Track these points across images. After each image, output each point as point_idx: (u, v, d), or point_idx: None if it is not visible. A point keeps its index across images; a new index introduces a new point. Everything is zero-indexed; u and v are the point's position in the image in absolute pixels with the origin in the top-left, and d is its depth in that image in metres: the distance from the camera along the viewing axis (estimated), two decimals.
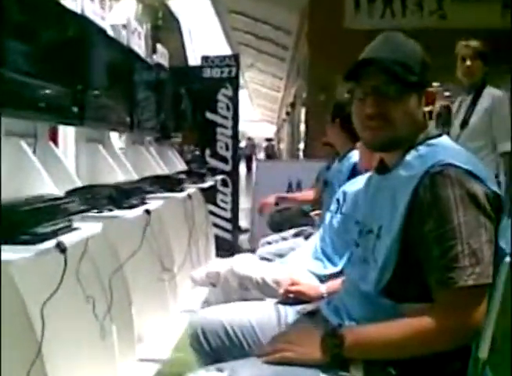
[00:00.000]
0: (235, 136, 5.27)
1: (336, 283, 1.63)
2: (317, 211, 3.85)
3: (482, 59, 3.12)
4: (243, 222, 6.41)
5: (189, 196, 3.13)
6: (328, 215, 2.32)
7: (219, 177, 4.73)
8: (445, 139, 1.26)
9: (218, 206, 5.26)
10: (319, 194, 4.71)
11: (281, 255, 2.80)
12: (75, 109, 2.31)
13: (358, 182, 2.23)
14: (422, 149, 1.20)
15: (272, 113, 29.50)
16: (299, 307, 1.54)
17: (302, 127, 12.02)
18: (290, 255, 2.40)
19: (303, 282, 1.63)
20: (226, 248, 5.18)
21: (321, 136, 10.33)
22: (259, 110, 32.60)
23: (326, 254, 2.22)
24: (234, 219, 5.38)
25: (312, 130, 9.46)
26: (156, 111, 3.85)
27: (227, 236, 5.34)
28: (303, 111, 12.63)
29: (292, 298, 1.60)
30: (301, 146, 11.79)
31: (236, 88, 5.23)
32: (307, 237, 2.86)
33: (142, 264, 2.62)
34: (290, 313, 1.52)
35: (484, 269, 1.06)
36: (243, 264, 2.21)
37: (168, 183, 2.97)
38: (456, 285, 1.05)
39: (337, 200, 2.29)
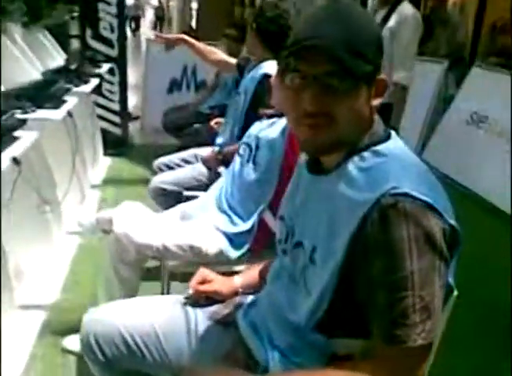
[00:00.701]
0: (121, 15, 4.49)
1: (252, 275, 1.41)
2: (217, 120, 3.47)
3: None
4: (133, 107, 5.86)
5: (70, 114, 2.57)
6: (237, 161, 1.99)
7: (105, 67, 4.05)
8: (394, 145, 1.01)
9: (105, 97, 4.64)
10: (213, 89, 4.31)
11: (179, 184, 2.48)
12: None
13: (274, 129, 1.90)
14: (367, 157, 0.99)
15: None
16: (211, 310, 1.31)
17: (194, 4, 11.06)
18: (192, 206, 2.07)
19: (214, 276, 1.35)
20: (116, 144, 4.70)
21: (218, 16, 9.63)
22: None
23: (233, 208, 1.94)
24: (123, 111, 4.82)
25: (206, 8, 8.67)
26: None
27: (116, 130, 4.81)
28: None
29: (203, 297, 1.33)
30: (193, 23, 10.91)
31: None
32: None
33: (19, 202, 2.15)
34: (201, 318, 1.28)
35: (435, 322, 0.91)
36: (138, 226, 1.85)
37: (41, 97, 2.39)
38: (403, 345, 0.89)
39: (248, 146, 1.96)
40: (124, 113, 4.82)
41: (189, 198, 2.45)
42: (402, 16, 2.67)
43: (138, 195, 3.90)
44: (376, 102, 1.01)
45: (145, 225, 1.88)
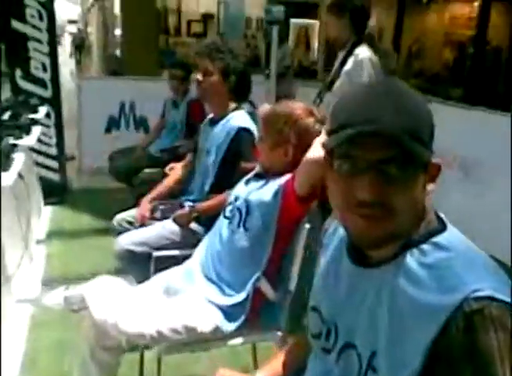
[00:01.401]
0: (53, 54, 4.18)
1: (275, 368, 1.23)
2: (172, 165, 3.26)
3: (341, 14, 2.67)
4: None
5: (21, 175, 2.28)
6: (224, 224, 1.82)
7: (42, 111, 3.73)
8: (453, 236, 0.91)
9: (41, 141, 4.27)
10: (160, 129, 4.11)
11: (147, 245, 2.27)
12: None
13: (265, 192, 1.75)
14: (428, 250, 0.88)
15: None
16: None
17: (118, 31, 10.75)
18: (176, 278, 1.86)
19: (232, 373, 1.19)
20: (55, 191, 4.36)
21: (143, 44, 9.38)
22: None
23: (223, 277, 1.76)
24: (61, 156, 4.47)
25: (131, 36, 8.42)
26: None
27: (54, 176, 4.45)
28: (117, 1, 11.20)
29: None
30: (118, 52, 10.60)
31: None
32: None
33: None
34: None
35: None
36: (122, 312, 1.62)
37: None
38: None
39: (238, 210, 1.79)
40: (61, 158, 4.48)
41: (159, 259, 2.25)
42: (357, 59, 2.62)
43: (84, 246, 3.65)
44: (430, 188, 0.91)
45: (129, 309, 1.65)
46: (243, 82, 3.28)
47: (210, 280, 1.80)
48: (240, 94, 3.26)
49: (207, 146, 2.45)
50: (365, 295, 0.93)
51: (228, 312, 1.72)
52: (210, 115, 2.58)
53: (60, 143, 4.44)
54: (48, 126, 4.26)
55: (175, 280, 1.84)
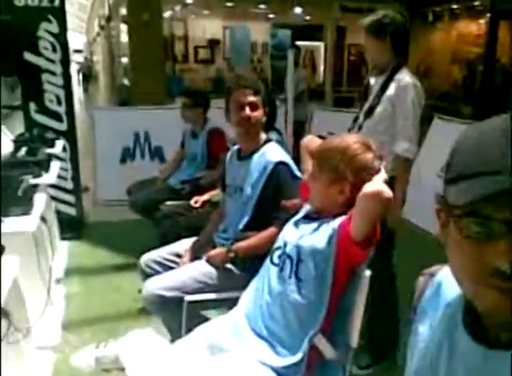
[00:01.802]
0: (67, 85, 4.09)
1: None
2: (197, 199, 3.14)
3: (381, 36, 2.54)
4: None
5: (43, 219, 2.14)
6: (273, 272, 1.66)
7: (58, 146, 3.61)
8: None
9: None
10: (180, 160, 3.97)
11: (179, 289, 2.10)
12: None
13: (318, 237, 1.61)
14: None
15: (80, 22, 26.39)
16: None
17: (124, 59, 10.77)
18: (222, 334, 1.68)
19: None
20: (71, 226, 4.22)
21: (150, 72, 9.39)
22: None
23: (276, 334, 1.59)
24: (77, 189, 4.35)
25: (139, 64, 8.42)
26: None
27: (71, 210, 4.32)
28: (124, 30, 11.22)
29: None
30: (126, 81, 10.60)
31: (62, 21, 3.97)
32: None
33: None
34: None
35: None
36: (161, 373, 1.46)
37: (5, 202, 1.96)
38: None
39: (288, 257, 1.64)
40: (77, 191, 4.36)
41: (191, 303, 2.09)
42: (400, 84, 2.48)
43: (105, 285, 3.51)
44: None
45: (173, 372, 1.48)
46: (272, 111, 3.16)
47: (260, 336, 1.63)
48: (268, 123, 3.14)
49: (238, 182, 2.30)
50: None
51: (283, 374, 1.55)
52: (235, 147, 2.43)
53: (76, 177, 4.32)
54: (64, 160, 4.14)
55: (220, 335, 1.67)
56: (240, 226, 2.24)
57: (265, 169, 2.18)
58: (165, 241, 2.76)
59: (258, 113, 2.23)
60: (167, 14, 12.16)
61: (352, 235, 1.51)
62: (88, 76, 20.64)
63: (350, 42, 15.24)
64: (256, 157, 2.24)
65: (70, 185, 4.27)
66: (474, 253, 0.69)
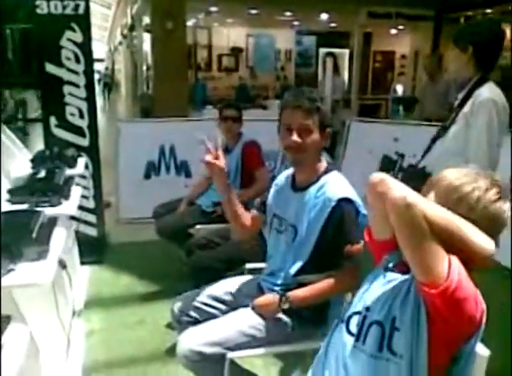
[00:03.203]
0: (91, 98, 3.79)
1: None
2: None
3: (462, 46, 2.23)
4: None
5: (62, 264, 1.82)
6: (349, 341, 1.31)
7: (80, 165, 3.29)
8: None
9: None
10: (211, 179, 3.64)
11: (222, 344, 1.78)
12: None
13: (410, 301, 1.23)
14: None
15: (102, 32, 26.47)
16: None
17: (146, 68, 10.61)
18: None
19: None
20: (93, 248, 3.91)
21: (173, 80, 9.24)
22: None
23: None
24: (98, 209, 4.04)
25: (162, 72, 8.21)
26: None
27: (91, 231, 4.02)
28: (147, 39, 11.03)
29: None
30: (148, 91, 10.42)
31: (86, 30, 3.68)
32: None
33: None
34: None
35: None
36: None
37: (17, 245, 1.63)
38: None
39: (378, 324, 1.27)
40: (99, 211, 4.05)
41: (234, 363, 1.77)
42: (477, 100, 2.13)
43: (129, 318, 3.18)
44: None
45: None
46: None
47: None
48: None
49: (290, 217, 1.94)
50: None
51: None
52: (290, 172, 2.08)
53: (98, 195, 4.01)
54: (85, 177, 3.84)
55: None
56: (293, 271, 1.88)
57: (324, 207, 1.82)
58: (198, 277, 2.45)
59: (311, 139, 1.86)
60: (190, 22, 11.96)
61: (423, 285, 1.15)
62: (110, 85, 20.54)
63: (375, 49, 14.88)
64: (313, 190, 1.88)
65: (91, 204, 3.97)
66: None
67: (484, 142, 2.12)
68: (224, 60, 14.09)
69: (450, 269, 1.13)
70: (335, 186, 1.86)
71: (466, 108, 2.17)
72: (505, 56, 9.73)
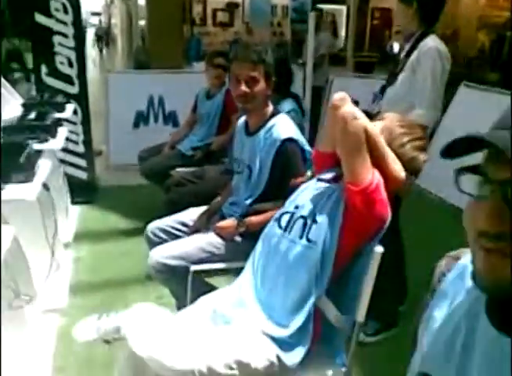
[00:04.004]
0: (79, 48, 4.01)
1: None
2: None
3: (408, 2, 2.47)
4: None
5: (46, 187, 2.11)
6: (279, 235, 1.62)
7: (69, 110, 3.55)
8: None
9: (68, 139, 4.12)
10: (191, 125, 3.91)
11: (185, 258, 2.07)
12: None
13: (331, 198, 1.56)
14: None
15: None
16: None
17: (142, 22, 10.61)
18: (225, 303, 1.66)
19: None
20: (83, 190, 4.21)
21: (167, 35, 9.27)
22: None
23: (280, 297, 1.58)
24: (88, 153, 4.32)
25: (157, 26, 8.26)
26: None
27: (81, 174, 4.31)
28: None
29: None
30: (143, 44, 10.46)
31: None
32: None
33: None
34: None
35: None
36: (168, 346, 1.43)
37: (6, 168, 1.92)
38: None
39: (302, 218, 1.58)
40: (89, 155, 4.33)
41: (197, 273, 2.06)
42: (423, 49, 2.39)
43: (114, 250, 3.51)
44: None
45: (174, 342, 1.46)
46: (285, 78, 3.04)
47: (264, 303, 1.60)
48: (284, 89, 3.02)
49: (246, 159, 2.23)
50: None
51: (287, 343, 1.52)
52: (242, 119, 2.33)
53: (88, 141, 4.28)
54: (75, 123, 4.10)
55: (224, 305, 1.65)
56: (248, 202, 2.19)
57: (272, 147, 2.11)
58: (173, 209, 2.74)
59: (258, 88, 2.12)
60: None
61: (350, 183, 1.49)
62: (106, 39, 20.49)
63: (374, 6, 14.79)
64: (262, 133, 2.16)
65: (81, 149, 4.24)
66: (471, 214, 0.69)
67: (429, 84, 2.39)
68: (219, 15, 14.05)
69: (373, 175, 1.49)
70: (280, 128, 2.14)
71: (413, 56, 2.42)
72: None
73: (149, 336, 1.45)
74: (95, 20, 24.90)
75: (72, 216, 3.86)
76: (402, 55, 2.53)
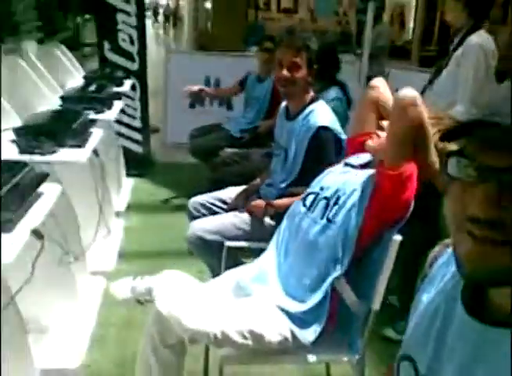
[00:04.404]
0: (141, 27, 4.16)
1: None
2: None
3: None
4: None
5: (96, 153, 2.25)
6: (303, 212, 1.68)
7: (127, 85, 3.72)
8: None
9: (125, 113, 4.31)
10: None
11: (220, 233, 2.16)
12: None
13: (357, 181, 1.59)
14: None
15: None
16: None
17: (208, 5, 10.75)
18: (247, 277, 1.73)
19: None
20: (138, 163, 4.39)
21: (232, 18, 9.31)
22: None
23: (299, 277, 1.65)
24: (145, 129, 4.49)
25: (221, 9, 8.35)
26: None
27: (138, 148, 4.49)
28: None
29: None
30: (207, 25, 10.61)
31: None
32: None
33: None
34: None
35: None
36: (188, 307, 1.52)
37: (62, 133, 2.07)
38: None
39: (325, 199, 1.63)
40: (145, 131, 4.50)
41: (231, 249, 2.15)
42: (466, 45, 2.36)
43: (161, 222, 3.66)
44: None
45: (196, 306, 1.55)
46: (332, 66, 3.04)
47: (283, 278, 1.66)
48: (327, 78, 3.04)
49: (283, 142, 2.28)
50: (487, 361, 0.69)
51: (303, 320, 1.57)
52: (284, 104, 2.38)
53: (145, 116, 4.45)
54: (133, 99, 4.27)
55: (246, 279, 1.71)
56: (283, 185, 2.25)
57: (307, 133, 2.14)
58: (216, 187, 2.83)
59: (299, 74, 2.15)
60: None
61: (388, 166, 1.50)
62: (173, 19, 20.89)
63: None
64: (300, 118, 2.20)
65: (138, 123, 4.42)
66: (458, 197, 0.67)
67: (469, 82, 2.36)
68: (283, 1, 14.01)
69: (411, 165, 1.52)
70: (317, 115, 2.17)
71: (458, 51, 2.40)
72: None
73: (174, 297, 1.54)
74: (163, 1, 25.42)
75: (126, 188, 4.05)
76: (451, 48, 2.51)
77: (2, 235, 1.30)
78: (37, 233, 1.43)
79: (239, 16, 9.11)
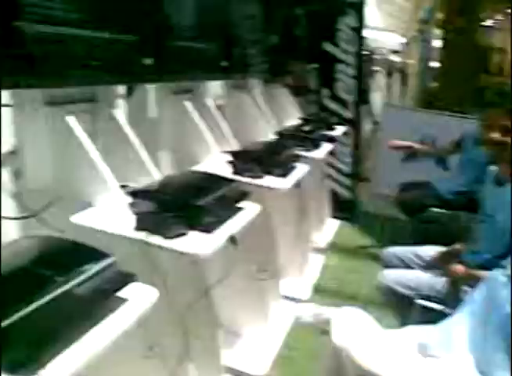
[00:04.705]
0: (358, 77, 4.35)
1: None
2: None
3: None
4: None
5: (297, 185, 2.45)
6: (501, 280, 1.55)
7: (339, 130, 3.92)
8: None
9: (337, 157, 4.50)
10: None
11: (413, 289, 2.11)
12: None
13: None
14: None
15: (399, 23, 26.88)
16: None
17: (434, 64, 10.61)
18: (434, 339, 1.64)
19: None
20: (344, 207, 4.51)
21: (461, 82, 8.87)
22: (386, 17, 29.82)
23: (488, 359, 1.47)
24: (354, 175, 4.61)
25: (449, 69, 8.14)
26: (264, 40, 3.10)
27: (345, 193, 4.61)
28: (437, 35, 11.01)
29: None
30: (432, 86, 10.44)
31: (360, 16, 4.24)
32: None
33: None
34: None
35: None
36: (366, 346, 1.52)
37: (270, 162, 2.30)
38: None
39: None
40: (355, 177, 4.63)
41: (422, 308, 2.07)
42: None
43: (358, 267, 3.64)
44: None
45: (374, 348, 1.54)
46: None
47: (474, 346, 1.55)
48: None
49: (489, 208, 2.14)
50: None
51: None
52: (493, 168, 2.24)
53: (355, 163, 4.58)
54: (345, 145, 4.45)
55: (432, 341, 1.62)
56: (488, 256, 2.06)
57: None
58: (415, 242, 2.70)
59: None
60: (488, 23, 11.41)
61: None
62: (401, 76, 21.06)
63: None
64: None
65: (347, 169, 4.56)
66: None
67: None
68: None
69: None
70: None
71: None
72: None
73: (352, 334, 1.55)
74: (394, 58, 25.83)
75: (329, 227, 4.19)
76: None
77: (204, 235, 1.49)
78: (233, 240, 1.61)
79: (469, 80, 8.74)
